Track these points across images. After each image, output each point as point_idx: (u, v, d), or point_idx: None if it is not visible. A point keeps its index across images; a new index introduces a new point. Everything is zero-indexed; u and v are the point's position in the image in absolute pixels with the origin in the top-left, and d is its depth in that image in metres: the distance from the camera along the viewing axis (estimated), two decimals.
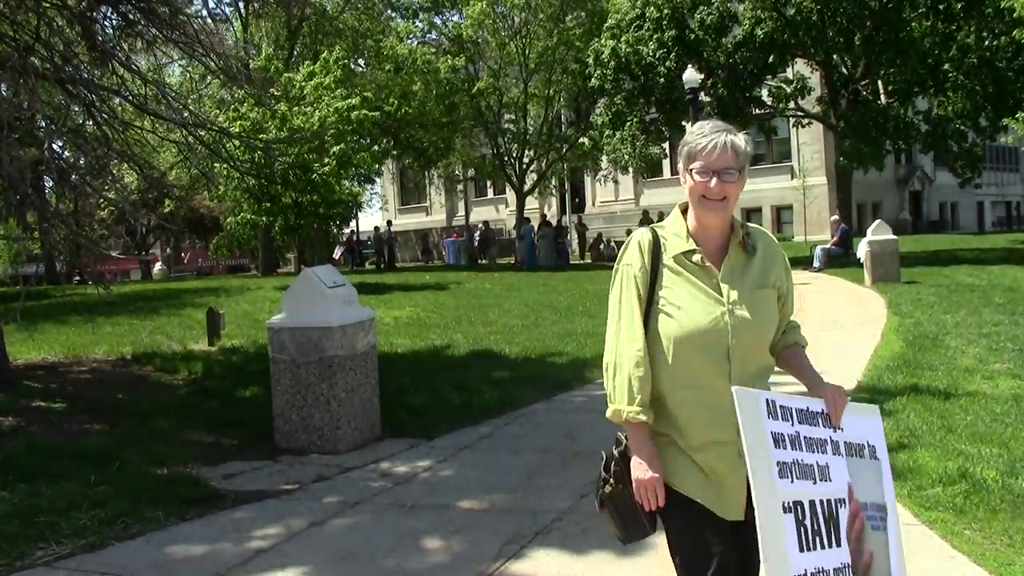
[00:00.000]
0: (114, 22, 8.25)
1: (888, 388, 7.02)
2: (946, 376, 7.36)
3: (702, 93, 22.81)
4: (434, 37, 33.06)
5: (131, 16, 7.94)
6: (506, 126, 32.01)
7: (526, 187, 32.68)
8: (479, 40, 30.99)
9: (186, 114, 8.40)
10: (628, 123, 25.14)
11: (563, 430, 6.46)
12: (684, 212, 2.33)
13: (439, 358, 9.71)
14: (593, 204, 43.11)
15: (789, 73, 26.08)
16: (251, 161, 14.99)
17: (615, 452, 2.34)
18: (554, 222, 32.80)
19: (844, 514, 2.20)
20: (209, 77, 20.55)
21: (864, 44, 22.89)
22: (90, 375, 8.69)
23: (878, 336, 9.90)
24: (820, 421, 2.25)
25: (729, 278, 2.24)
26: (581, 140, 31.49)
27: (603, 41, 25.02)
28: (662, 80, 23.76)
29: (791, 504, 2.10)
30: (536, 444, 6.13)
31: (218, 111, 20.80)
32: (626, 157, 26.32)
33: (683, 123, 24.30)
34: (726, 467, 2.20)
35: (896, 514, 2.35)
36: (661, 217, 28.32)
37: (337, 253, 32.46)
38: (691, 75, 20.56)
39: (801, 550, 2.09)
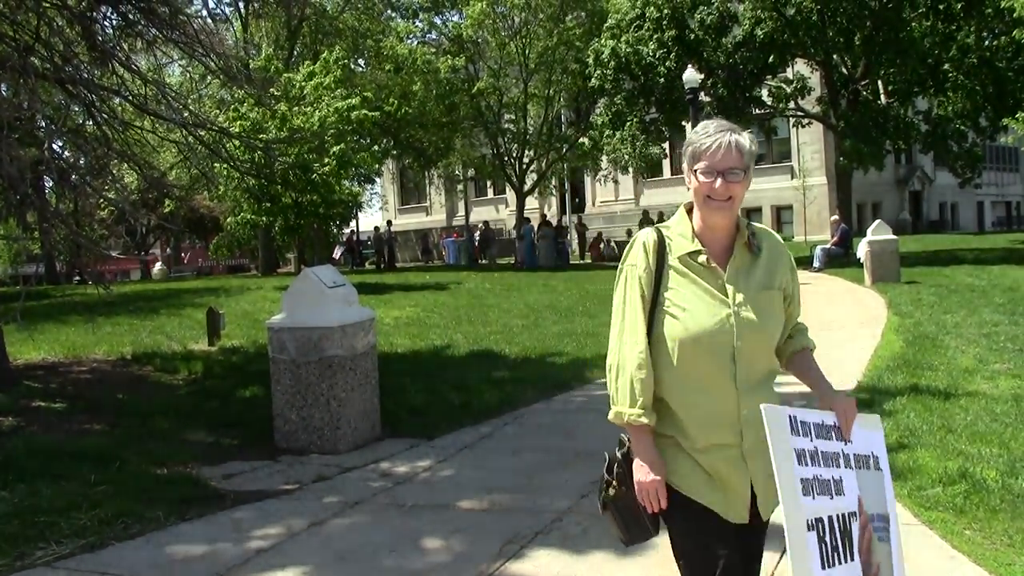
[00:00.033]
0: (114, 22, 8.26)
1: (888, 388, 7.02)
2: (946, 376, 7.35)
3: (702, 93, 22.82)
4: (434, 37, 33.06)
5: (131, 16, 7.94)
6: (506, 126, 32.01)
7: (526, 187, 32.68)
8: (479, 40, 30.98)
9: (186, 114, 8.40)
10: (628, 123, 25.15)
11: (563, 430, 6.46)
12: (689, 212, 2.29)
13: (439, 358, 9.71)
14: (593, 204, 43.11)
15: (789, 73, 26.08)
16: (251, 161, 14.99)
17: (618, 454, 2.32)
18: (554, 222, 32.79)
19: (856, 527, 2.19)
20: (209, 77, 20.53)
21: (864, 44, 22.89)
22: (90, 375, 8.69)
23: (878, 336, 9.90)
24: (833, 434, 2.23)
25: (735, 279, 2.21)
26: (581, 140, 31.48)
27: (603, 41, 25.03)
28: (662, 80, 23.76)
29: (813, 522, 2.09)
30: (536, 444, 6.13)
31: (218, 111, 20.78)
32: (626, 157, 26.32)
33: (683, 123, 24.33)
34: (730, 470, 2.18)
35: (897, 524, 2.34)
36: (661, 217, 28.46)
37: (337, 253, 32.46)
38: (691, 75, 20.56)
39: (823, 567, 2.08)
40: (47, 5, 7.28)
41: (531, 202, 35.60)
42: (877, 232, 15.90)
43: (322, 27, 28.57)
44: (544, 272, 23.51)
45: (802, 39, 23.34)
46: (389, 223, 37.27)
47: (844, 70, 24.65)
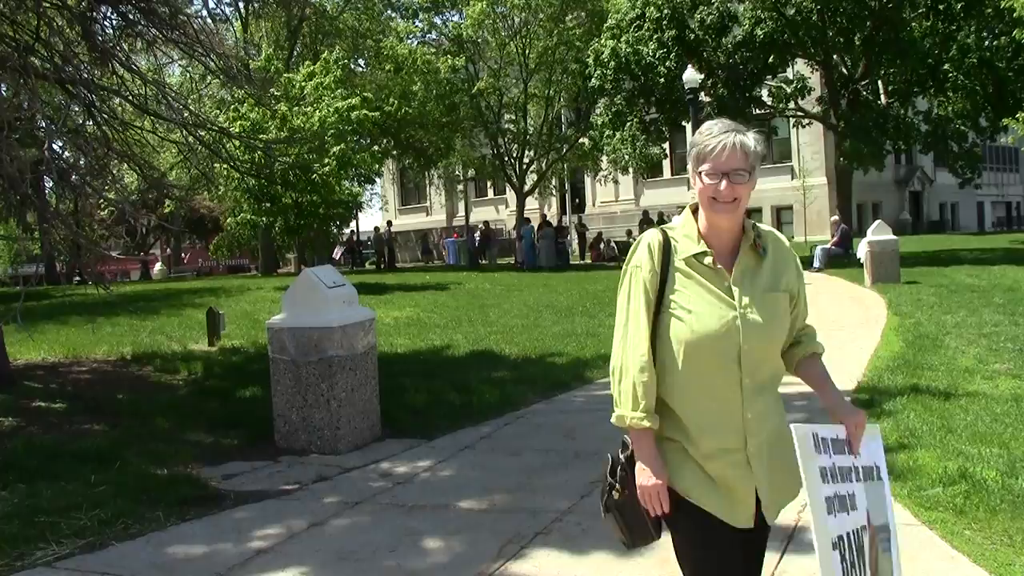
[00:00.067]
0: (114, 22, 8.27)
1: (888, 388, 7.01)
2: (946, 376, 7.35)
3: (702, 93, 22.84)
4: (434, 37, 33.07)
5: (131, 16, 7.94)
6: (506, 126, 32.02)
7: (526, 187, 32.69)
8: (479, 40, 31.00)
9: (186, 114, 8.39)
10: (628, 123, 25.17)
11: (563, 430, 6.46)
12: (695, 213, 2.26)
13: (439, 358, 9.71)
14: (593, 204, 43.13)
15: (789, 73, 26.09)
16: (251, 161, 15.00)
17: (620, 456, 2.29)
18: (554, 222, 32.80)
19: (867, 541, 2.17)
20: (209, 77, 20.47)
21: (864, 44, 22.91)
22: (90, 375, 8.70)
23: (878, 336, 9.90)
24: (845, 449, 2.21)
25: (741, 281, 2.18)
26: (581, 140, 31.50)
27: (603, 41, 25.04)
28: (662, 80, 23.77)
29: (836, 540, 2.07)
30: (536, 444, 6.12)
31: (218, 111, 20.78)
32: (626, 157, 26.33)
33: (683, 123, 24.37)
34: (735, 475, 2.15)
35: (896, 535, 2.33)
36: (661, 217, 28.49)
37: (337, 253, 32.45)
38: (691, 75, 20.57)
39: None
40: (47, 5, 7.28)
41: (531, 202, 35.62)
42: (877, 232, 15.90)
43: (322, 27, 28.60)
44: (544, 272, 23.52)
45: (802, 39, 23.35)
46: (389, 223, 37.28)
47: (844, 70, 24.67)
